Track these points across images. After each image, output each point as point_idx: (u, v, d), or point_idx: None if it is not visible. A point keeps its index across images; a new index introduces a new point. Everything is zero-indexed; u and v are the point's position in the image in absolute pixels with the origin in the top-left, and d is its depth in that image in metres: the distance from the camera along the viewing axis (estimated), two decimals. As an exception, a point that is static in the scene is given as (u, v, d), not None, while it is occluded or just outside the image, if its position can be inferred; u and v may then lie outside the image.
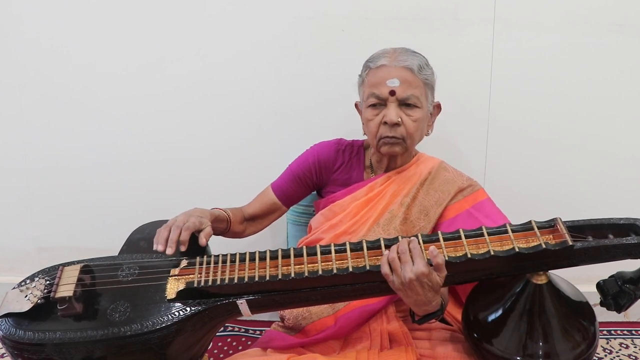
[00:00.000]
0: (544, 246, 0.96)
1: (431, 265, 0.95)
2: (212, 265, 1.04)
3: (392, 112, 1.20)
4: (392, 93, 1.20)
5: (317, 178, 1.38)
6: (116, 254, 1.14)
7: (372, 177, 1.33)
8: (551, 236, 1.01)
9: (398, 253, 0.96)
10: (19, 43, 1.74)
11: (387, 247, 1.02)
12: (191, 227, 1.08)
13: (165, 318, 0.97)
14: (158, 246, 1.05)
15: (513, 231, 1.01)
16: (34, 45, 1.74)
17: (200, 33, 1.71)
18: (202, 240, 1.09)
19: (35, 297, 1.00)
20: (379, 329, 1.21)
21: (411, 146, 1.27)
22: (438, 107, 1.33)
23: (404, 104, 1.21)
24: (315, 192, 1.44)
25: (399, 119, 1.21)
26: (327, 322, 1.21)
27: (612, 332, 1.91)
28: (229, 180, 1.83)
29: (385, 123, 1.21)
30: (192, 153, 1.82)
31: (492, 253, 0.96)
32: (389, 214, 1.26)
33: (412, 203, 1.27)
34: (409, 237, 1.00)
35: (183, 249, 1.06)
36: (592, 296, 1.06)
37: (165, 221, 1.13)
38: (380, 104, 1.22)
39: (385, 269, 0.97)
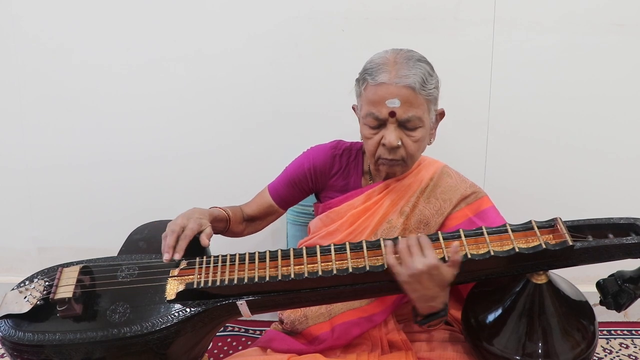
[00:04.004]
0: (544, 246, 0.96)
1: (444, 261, 0.96)
2: (211, 266, 1.04)
3: (392, 135, 1.12)
4: (392, 114, 1.10)
5: (313, 183, 1.34)
6: (116, 254, 1.14)
7: (370, 184, 1.28)
8: (551, 236, 1.01)
9: (408, 245, 0.97)
10: (19, 42, 1.74)
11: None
12: (189, 236, 1.07)
13: (165, 319, 0.97)
14: (165, 255, 1.06)
15: (513, 231, 1.01)
16: (34, 45, 1.74)
17: (200, 32, 1.71)
18: (204, 241, 1.09)
19: (34, 298, 1.00)
20: (378, 337, 1.21)
21: (412, 163, 1.21)
22: (441, 115, 1.23)
23: (405, 125, 1.13)
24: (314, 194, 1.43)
25: (399, 142, 1.13)
26: (323, 327, 1.20)
27: (612, 332, 1.90)
28: (229, 179, 1.83)
29: (385, 145, 1.13)
30: (192, 153, 1.82)
31: (492, 253, 0.96)
32: (388, 224, 1.22)
33: (412, 212, 1.22)
34: (417, 234, 1.00)
35: (177, 257, 1.05)
36: (592, 296, 1.06)
37: (165, 221, 1.14)
38: (379, 124, 1.14)
39: (390, 260, 0.97)
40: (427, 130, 1.17)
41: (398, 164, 1.18)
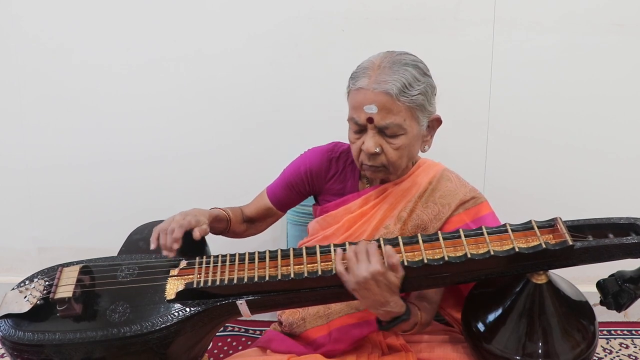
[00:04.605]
0: (544, 246, 0.95)
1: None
2: (211, 265, 1.04)
3: (370, 142, 1.09)
4: (370, 120, 1.08)
5: (310, 187, 1.32)
6: (116, 254, 1.14)
7: (367, 187, 1.25)
8: (551, 236, 1.01)
9: (355, 253, 0.97)
10: (19, 42, 1.75)
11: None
12: (185, 225, 1.06)
13: (165, 319, 0.97)
14: (151, 244, 1.05)
15: (513, 231, 1.00)
16: (34, 45, 1.75)
17: (200, 32, 1.71)
18: (195, 233, 1.07)
19: (34, 298, 1.00)
20: (377, 340, 1.21)
21: (396, 171, 1.17)
22: (437, 121, 1.17)
23: (384, 132, 1.10)
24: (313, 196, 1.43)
25: (378, 149, 1.10)
26: (320, 331, 1.20)
27: (612, 332, 1.91)
28: (229, 179, 1.84)
29: (364, 150, 1.11)
30: (192, 153, 1.83)
31: (492, 253, 0.96)
32: (385, 229, 1.19)
33: (409, 217, 1.19)
34: (370, 240, 1.00)
35: (176, 246, 1.04)
36: (592, 296, 1.06)
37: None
38: (360, 129, 1.12)
39: (340, 268, 0.97)
40: (413, 138, 1.12)
41: (380, 171, 1.15)
